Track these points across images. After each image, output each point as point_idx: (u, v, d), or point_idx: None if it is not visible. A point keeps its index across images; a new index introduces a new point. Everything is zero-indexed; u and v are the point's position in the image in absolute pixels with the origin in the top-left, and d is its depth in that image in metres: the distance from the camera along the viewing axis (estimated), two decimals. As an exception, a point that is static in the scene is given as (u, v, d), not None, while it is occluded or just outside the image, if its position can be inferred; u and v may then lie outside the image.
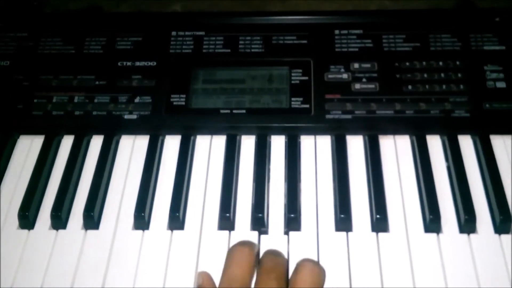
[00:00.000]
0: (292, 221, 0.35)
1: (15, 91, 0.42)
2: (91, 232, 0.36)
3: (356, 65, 0.41)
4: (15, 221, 0.37)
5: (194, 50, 0.43)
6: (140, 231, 0.36)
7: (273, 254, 0.32)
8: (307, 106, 0.40)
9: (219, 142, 0.40)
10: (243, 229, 0.36)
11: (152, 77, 0.42)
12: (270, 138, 0.40)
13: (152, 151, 0.40)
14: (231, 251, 0.32)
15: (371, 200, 0.36)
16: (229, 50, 0.43)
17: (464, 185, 0.36)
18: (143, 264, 0.34)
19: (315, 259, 0.34)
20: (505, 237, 0.34)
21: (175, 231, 0.36)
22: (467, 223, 0.34)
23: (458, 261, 0.33)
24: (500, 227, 0.34)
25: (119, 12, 0.50)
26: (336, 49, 0.42)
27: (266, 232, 0.35)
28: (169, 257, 0.35)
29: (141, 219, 0.36)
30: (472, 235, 0.34)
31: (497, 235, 0.34)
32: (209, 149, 0.40)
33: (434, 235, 0.35)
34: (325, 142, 0.40)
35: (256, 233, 0.35)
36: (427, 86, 0.40)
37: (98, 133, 0.41)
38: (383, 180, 0.37)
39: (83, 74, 0.42)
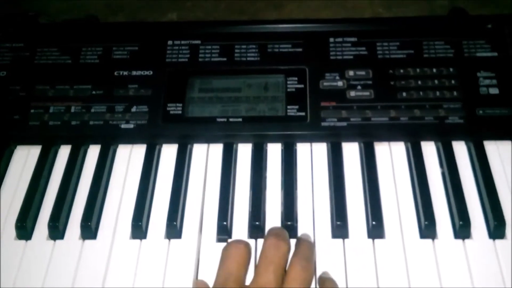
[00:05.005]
0: (289, 229, 0.35)
1: (11, 102, 0.42)
2: (88, 242, 0.36)
3: (351, 73, 0.42)
4: (13, 232, 0.37)
5: (190, 59, 0.43)
6: (138, 241, 0.36)
7: (276, 238, 0.32)
8: (303, 113, 0.40)
9: (216, 150, 0.40)
10: (240, 237, 0.36)
11: (149, 86, 0.42)
12: (266, 146, 0.41)
13: (149, 160, 0.40)
14: (226, 248, 0.33)
15: (367, 207, 0.37)
16: (225, 59, 0.43)
17: (458, 191, 0.36)
18: (141, 273, 0.34)
19: (312, 266, 0.34)
20: (500, 242, 0.35)
21: (172, 240, 0.36)
22: (462, 229, 0.35)
23: (453, 266, 0.34)
24: (495, 232, 0.35)
25: (115, 22, 0.50)
26: (331, 57, 0.43)
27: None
28: (167, 266, 0.35)
29: (139, 229, 0.36)
30: (467, 241, 0.35)
31: (491, 240, 0.35)
32: (206, 157, 0.40)
33: (429, 240, 0.35)
34: (321, 149, 0.40)
35: (253, 241, 0.35)
36: (421, 93, 0.41)
37: (95, 142, 0.41)
38: (378, 187, 0.37)
39: (80, 84, 0.42)
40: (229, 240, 0.35)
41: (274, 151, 0.40)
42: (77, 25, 0.46)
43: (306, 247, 0.33)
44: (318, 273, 0.34)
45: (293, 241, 0.34)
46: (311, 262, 0.33)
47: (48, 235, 0.37)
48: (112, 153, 0.41)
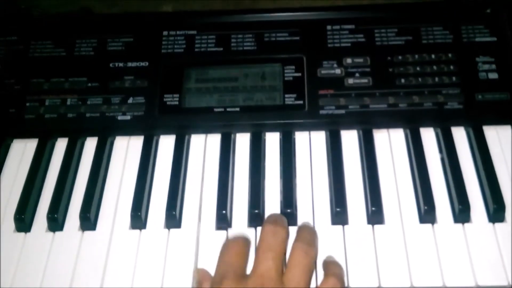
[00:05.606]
0: (288, 216, 0.35)
1: (6, 95, 0.42)
2: (88, 233, 0.36)
3: (349, 60, 0.42)
4: (12, 225, 0.37)
5: (186, 50, 0.43)
6: (137, 231, 0.36)
7: (274, 225, 0.32)
8: (301, 102, 0.40)
9: (214, 140, 0.40)
10: (240, 226, 0.36)
11: (145, 78, 0.42)
12: (264, 135, 0.40)
13: (146, 151, 0.40)
14: (225, 242, 0.33)
15: (366, 193, 0.36)
16: (221, 49, 0.43)
17: (458, 176, 0.36)
18: (141, 263, 0.34)
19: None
20: (499, 226, 0.34)
21: (172, 230, 0.36)
22: (461, 213, 0.35)
23: (453, 250, 0.34)
24: (494, 216, 0.35)
25: (110, 14, 0.50)
26: (329, 45, 0.42)
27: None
28: (167, 256, 0.35)
29: (138, 219, 0.36)
30: (466, 225, 0.35)
31: (491, 224, 0.35)
32: (204, 147, 0.40)
33: (429, 225, 0.35)
34: (319, 138, 0.40)
35: (253, 230, 0.35)
36: (419, 79, 0.40)
37: (92, 135, 0.41)
38: (378, 173, 0.37)
39: (75, 76, 0.42)
40: (229, 229, 0.35)
41: (272, 140, 0.40)
42: (70, 17, 0.45)
43: (308, 231, 0.33)
44: (318, 260, 0.34)
45: (293, 230, 0.34)
46: (313, 247, 0.32)
47: (47, 227, 0.37)
48: (110, 145, 0.40)
